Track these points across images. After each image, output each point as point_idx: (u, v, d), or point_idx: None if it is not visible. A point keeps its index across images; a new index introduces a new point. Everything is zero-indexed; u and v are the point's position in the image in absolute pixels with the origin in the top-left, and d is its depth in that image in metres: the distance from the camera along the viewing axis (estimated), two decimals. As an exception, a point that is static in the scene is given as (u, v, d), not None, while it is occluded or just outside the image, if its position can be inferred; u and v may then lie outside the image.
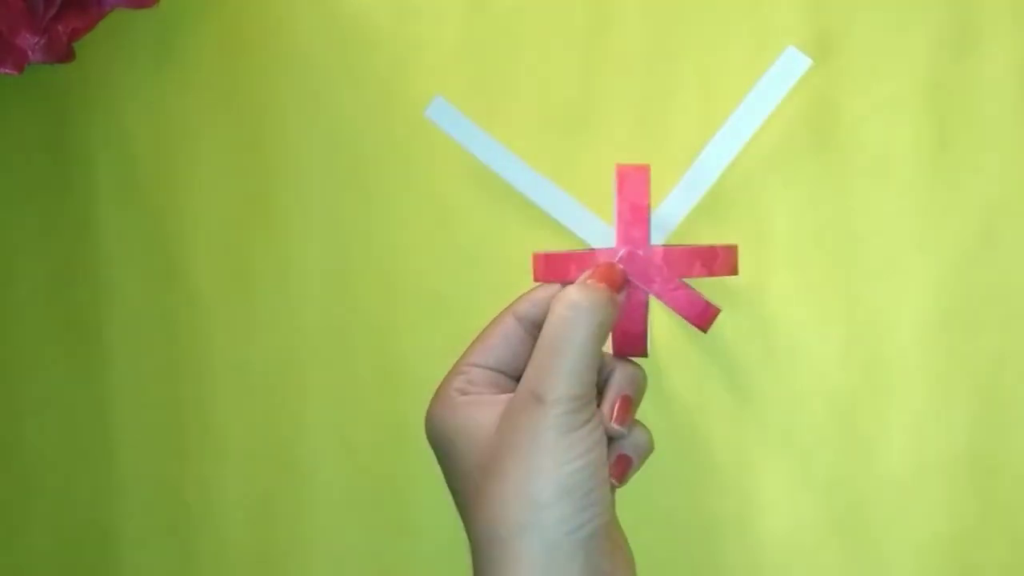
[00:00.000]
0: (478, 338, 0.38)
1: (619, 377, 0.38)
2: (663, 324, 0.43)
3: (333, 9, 0.44)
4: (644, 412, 0.40)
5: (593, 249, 0.38)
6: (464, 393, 0.37)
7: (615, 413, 0.37)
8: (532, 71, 0.43)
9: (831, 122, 0.42)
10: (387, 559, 0.46)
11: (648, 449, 0.38)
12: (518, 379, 0.38)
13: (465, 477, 0.36)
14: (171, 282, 0.46)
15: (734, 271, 0.38)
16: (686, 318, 0.37)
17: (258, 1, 0.45)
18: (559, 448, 0.33)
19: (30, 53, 0.41)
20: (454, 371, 0.38)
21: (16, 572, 0.47)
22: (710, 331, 0.38)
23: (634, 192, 0.37)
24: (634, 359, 0.39)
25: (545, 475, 0.33)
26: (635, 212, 0.37)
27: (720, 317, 0.38)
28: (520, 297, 0.38)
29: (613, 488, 0.38)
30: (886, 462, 0.43)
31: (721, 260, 0.37)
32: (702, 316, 0.37)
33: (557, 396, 0.34)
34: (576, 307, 0.34)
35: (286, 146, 0.45)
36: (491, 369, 0.38)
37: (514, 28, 0.43)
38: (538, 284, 0.39)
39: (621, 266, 0.37)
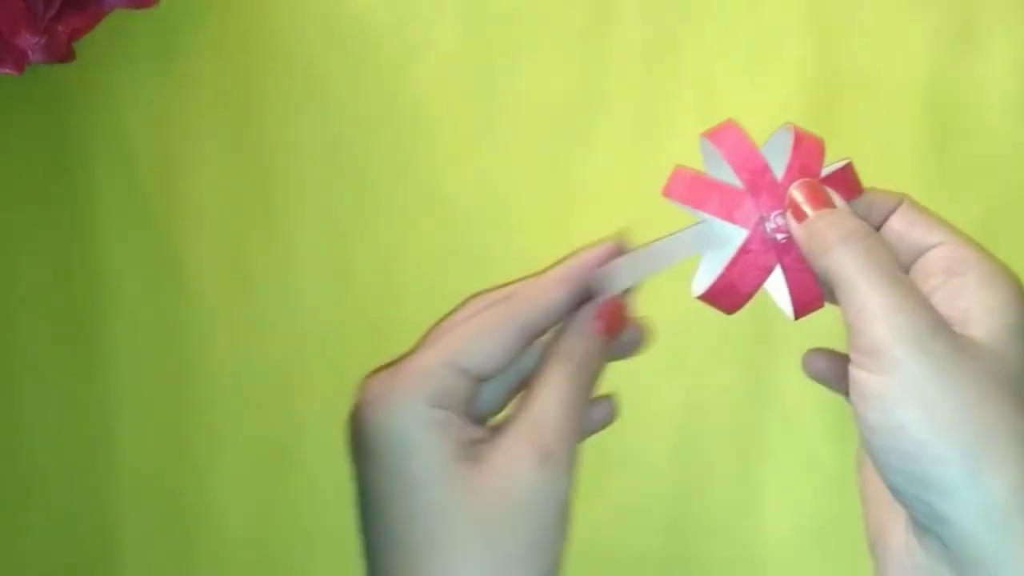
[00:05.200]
0: (465, 328, 0.32)
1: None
2: (668, 322, 0.43)
3: (333, 9, 0.44)
4: (647, 402, 0.39)
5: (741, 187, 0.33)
6: (439, 406, 0.30)
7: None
8: (532, 71, 0.43)
9: (831, 122, 0.42)
10: (387, 559, 0.46)
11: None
12: (501, 391, 0.34)
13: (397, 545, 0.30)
14: (171, 282, 0.46)
15: (861, 190, 0.34)
16: (792, 300, 0.34)
17: (258, 1, 0.45)
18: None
19: (30, 53, 0.41)
20: (423, 366, 0.31)
21: (16, 572, 0.47)
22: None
23: (809, 160, 0.33)
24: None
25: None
26: (804, 172, 0.33)
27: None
28: (525, 296, 0.33)
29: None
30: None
31: (848, 184, 0.34)
32: (810, 304, 0.34)
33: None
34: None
35: (286, 146, 0.45)
36: (473, 377, 0.31)
37: (513, 28, 0.43)
38: (547, 281, 0.34)
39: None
